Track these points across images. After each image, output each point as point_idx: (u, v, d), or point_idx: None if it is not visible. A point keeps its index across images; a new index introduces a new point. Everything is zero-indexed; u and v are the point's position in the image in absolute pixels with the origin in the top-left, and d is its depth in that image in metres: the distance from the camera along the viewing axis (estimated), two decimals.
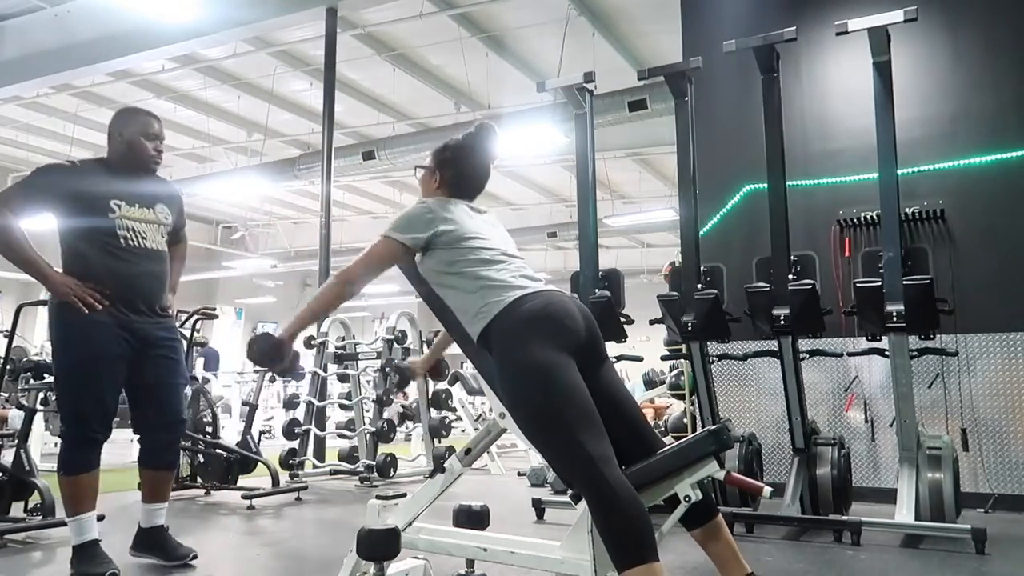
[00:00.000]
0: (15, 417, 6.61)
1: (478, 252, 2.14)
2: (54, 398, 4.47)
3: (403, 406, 7.62)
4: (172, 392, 3.19)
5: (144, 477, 3.27)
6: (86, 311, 2.87)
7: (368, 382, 6.85)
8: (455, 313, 2.15)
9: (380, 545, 2.07)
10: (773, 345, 3.91)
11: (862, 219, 4.82)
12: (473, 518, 2.38)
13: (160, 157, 3.14)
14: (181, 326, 5.78)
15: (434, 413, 6.54)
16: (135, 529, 3.32)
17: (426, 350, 3.81)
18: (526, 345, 1.97)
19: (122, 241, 2.98)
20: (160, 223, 3.13)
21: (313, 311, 2.16)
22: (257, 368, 7.10)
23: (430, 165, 2.36)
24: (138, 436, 3.26)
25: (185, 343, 5.44)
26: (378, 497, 2.26)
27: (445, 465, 2.21)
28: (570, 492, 1.97)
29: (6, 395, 7.23)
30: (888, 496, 4.04)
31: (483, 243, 2.17)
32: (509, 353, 2.00)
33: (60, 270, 2.97)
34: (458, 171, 2.33)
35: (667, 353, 5.04)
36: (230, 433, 7.74)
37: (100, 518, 3.89)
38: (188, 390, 5.35)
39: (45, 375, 4.37)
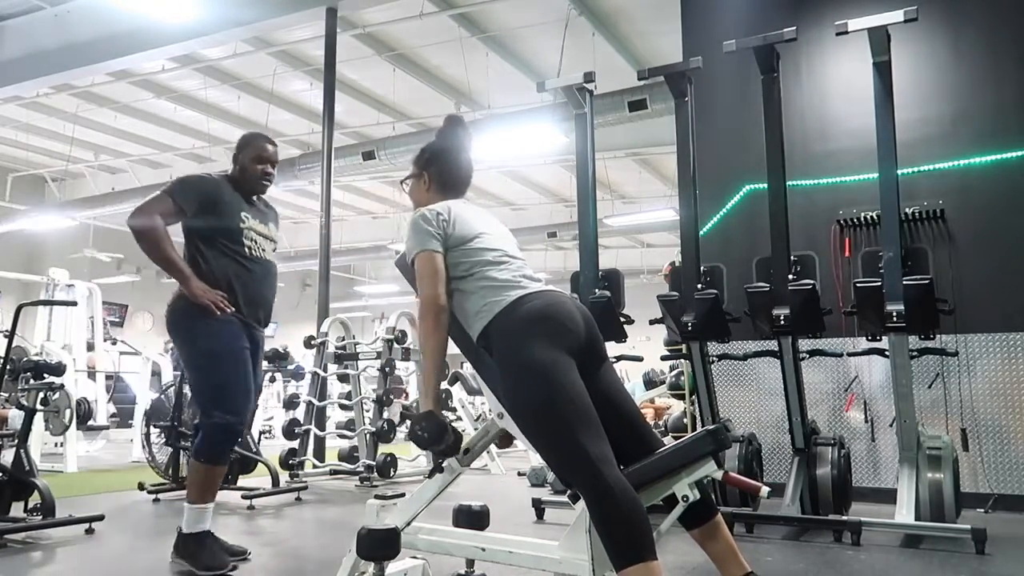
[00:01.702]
0: (15, 417, 6.62)
1: (481, 253, 2.14)
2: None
3: (403, 406, 7.63)
4: (256, 397, 3.37)
5: (193, 468, 3.25)
6: (217, 314, 3.02)
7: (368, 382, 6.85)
8: (456, 313, 2.15)
9: (380, 545, 2.07)
10: (773, 345, 3.91)
11: (862, 219, 4.82)
12: (473, 518, 2.38)
13: (270, 179, 3.35)
14: None
15: None
16: (135, 529, 3.32)
17: None
18: (526, 345, 1.97)
19: (247, 251, 3.17)
20: (271, 238, 3.35)
21: (430, 360, 2.08)
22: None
23: (415, 171, 2.39)
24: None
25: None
26: (377, 497, 2.26)
27: (444, 465, 2.21)
28: (569, 492, 1.97)
29: (6, 395, 7.22)
30: (888, 496, 4.04)
31: (487, 243, 2.17)
32: (509, 353, 2.00)
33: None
34: (442, 168, 2.36)
35: (667, 353, 5.04)
36: None
37: (100, 518, 3.92)
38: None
39: (45, 375, 4.37)
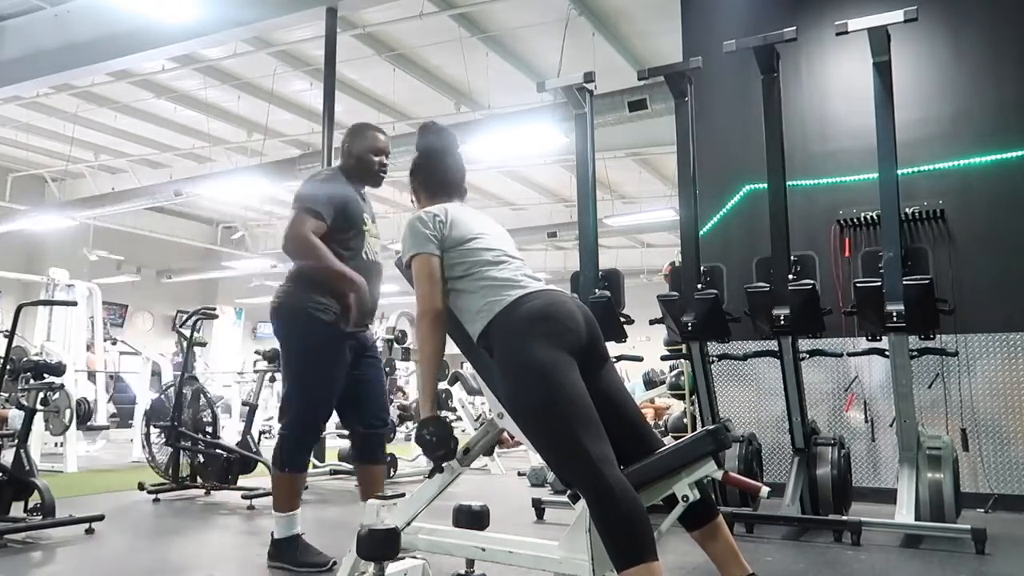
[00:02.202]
0: (15, 417, 6.61)
1: (480, 253, 2.15)
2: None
3: (403, 406, 7.62)
4: (383, 393, 3.36)
5: (362, 474, 3.27)
6: (326, 321, 2.98)
7: None
8: (456, 313, 2.15)
9: (379, 545, 2.07)
10: (773, 345, 3.91)
11: (862, 219, 4.82)
12: (473, 518, 2.38)
13: (385, 172, 3.24)
14: (181, 326, 5.80)
15: None
16: (135, 529, 3.33)
17: None
18: (527, 344, 1.97)
19: (365, 254, 3.09)
20: (378, 237, 3.25)
21: (430, 365, 2.11)
22: (257, 369, 7.11)
23: (409, 184, 2.44)
24: (351, 434, 3.35)
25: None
26: (377, 497, 2.26)
27: (444, 465, 2.21)
28: (569, 492, 1.97)
29: (6, 395, 7.22)
30: (888, 496, 4.04)
31: (485, 243, 2.17)
32: (510, 352, 2.00)
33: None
34: (425, 176, 2.40)
35: (667, 353, 5.04)
36: (230, 433, 7.74)
37: (100, 518, 3.92)
38: (188, 390, 5.38)
39: (45, 375, 4.37)
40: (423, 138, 2.45)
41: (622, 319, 4.17)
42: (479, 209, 2.39)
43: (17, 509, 3.87)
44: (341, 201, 3.05)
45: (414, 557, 2.37)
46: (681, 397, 5.77)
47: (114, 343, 10.60)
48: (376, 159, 3.19)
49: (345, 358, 3.05)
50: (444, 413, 6.75)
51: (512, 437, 2.28)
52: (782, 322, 3.69)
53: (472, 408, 9.68)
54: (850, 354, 4.24)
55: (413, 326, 6.72)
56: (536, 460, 5.62)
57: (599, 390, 2.01)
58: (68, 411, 5.11)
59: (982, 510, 4.25)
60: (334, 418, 3.37)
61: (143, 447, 5.93)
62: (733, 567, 2.00)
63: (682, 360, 5.10)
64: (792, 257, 3.80)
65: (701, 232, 4.31)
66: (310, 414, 3.07)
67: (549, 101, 8.19)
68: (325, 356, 3.01)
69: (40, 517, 3.73)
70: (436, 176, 2.39)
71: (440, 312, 2.10)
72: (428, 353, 2.09)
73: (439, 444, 2.07)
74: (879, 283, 3.55)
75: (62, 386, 4.59)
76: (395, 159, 11.74)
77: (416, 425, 2.15)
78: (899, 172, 3.68)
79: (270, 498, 5.01)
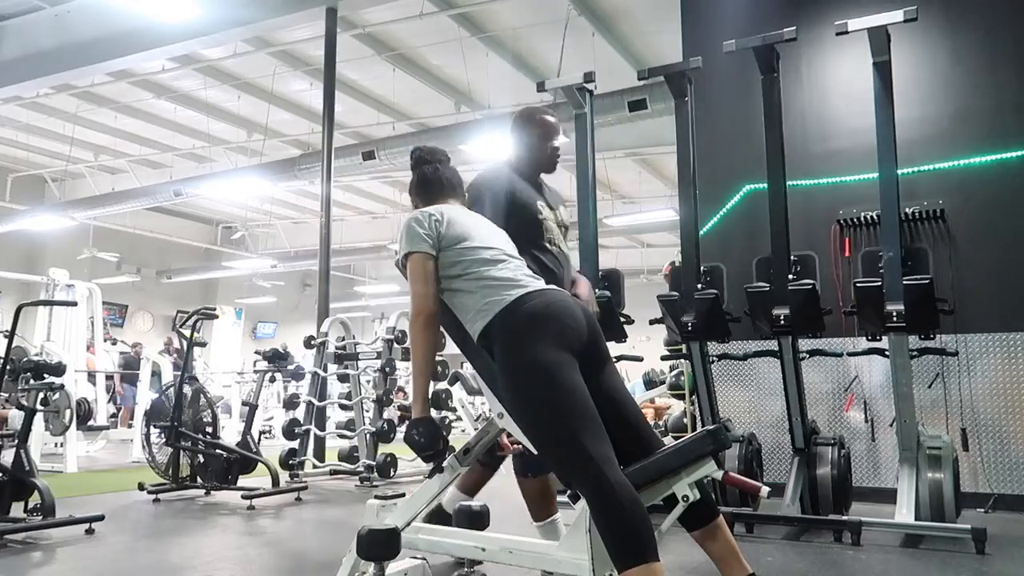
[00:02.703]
0: (15, 417, 6.61)
1: (478, 252, 2.14)
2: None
3: (403, 406, 7.63)
4: None
5: (528, 487, 2.90)
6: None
7: (368, 382, 6.85)
8: (456, 313, 2.15)
9: (380, 545, 2.07)
10: (773, 345, 3.91)
11: (862, 219, 4.82)
12: (473, 518, 2.38)
13: (558, 154, 3.03)
14: (181, 326, 5.80)
15: (434, 413, 6.53)
16: (135, 529, 3.32)
17: None
18: (528, 344, 1.96)
19: (547, 244, 2.84)
20: (564, 224, 3.01)
21: (424, 365, 2.11)
22: (256, 369, 7.10)
23: (411, 203, 2.51)
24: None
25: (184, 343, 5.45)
26: (377, 497, 2.26)
27: (444, 465, 2.21)
28: (569, 492, 1.97)
29: (6, 395, 7.22)
30: (888, 496, 4.04)
31: (483, 243, 2.17)
32: (510, 352, 2.00)
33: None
34: (421, 184, 2.44)
35: (667, 353, 5.04)
36: (230, 433, 7.75)
37: (100, 518, 3.92)
38: (188, 390, 5.38)
39: (45, 375, 4.37)
40: (413, 160, 2.49)
41: (622, 319, 4.17)
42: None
43: (17, 509, 3.87)
44: (510, 193, 2.79)
45: (414, 557, 2.37)
46: (681, 397, 5.76)
47: (114, 343, 10.60)
48: (549, 145, 2.97)
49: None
50: (444, 413, 6.76)
51: (511, 445, 2.28)
52: (782, 322, 3.69)
53: (472, 408, 9.68)
54: (850, 354, 4.24)
55: None
56: None
57: (600, 390, 2.01)
58: (68, 411, 5.11)
59: (982, 510, 4.25)
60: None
61: (143, 447, 5.94)
62: (733, 567, 2.00)
63: (682, 360, 5.10)
64: (792, 257, 3.80)
65: (701, 232, 4.31)
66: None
67: (549, 101, 8.20)
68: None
69: (40, 517, 3.74)
70: (430, 180, 2.42)
71: (433, 313, 2.10)
72: (421, 354, 2.10)
73: (428, 444, 2.08)
74: (879, 283, 3.55)
75: (62, 386, 4.59)
76: (395, 159, 11.76)
77: (407, 425, 2.16)
78: (899, 172, 3.68)
79: (270, 498, 5.06)
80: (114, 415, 9.68)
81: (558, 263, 2.83)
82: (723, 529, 2.02)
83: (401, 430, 7.13)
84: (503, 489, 3.34)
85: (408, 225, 2.19)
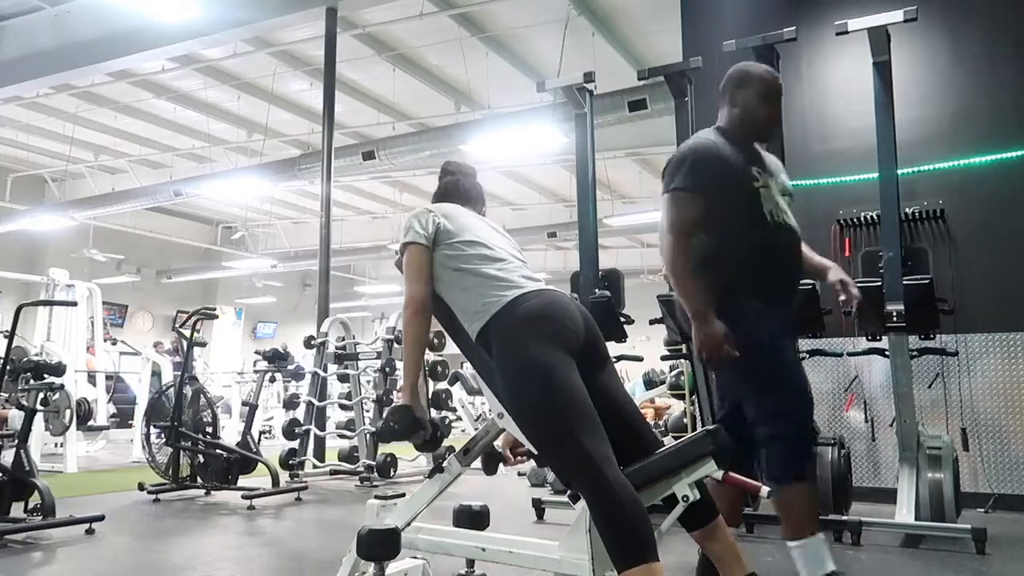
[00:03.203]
0: (15, 417, 6.61)
1: (477, 247, 2.15)
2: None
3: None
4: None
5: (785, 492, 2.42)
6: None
7: (368, 382, 6.85)
8: (454, 311, 2.15)
9: (380, 545, 2.06)
10: None
11: (862, 219, 4.82)
12: (473, 518, 2.38)
13: (778, 123, 2.72)
14: (181, 326, 5.80)
15: (434, 413, 6.53)
16: (135, 529, 3.32)
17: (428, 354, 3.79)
18: (526, 344, 1.97)
19: (769, 215, 2.50)
20: (789, 192, 2.67)
21: (411, 352, 2.13)
22: (256, 369, 7.10)
23: None
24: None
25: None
26: (377, 497, 2.26)
27: (444, 465, 2.21)
28: (569, 492, 1.97)
29: (6, 395, 7.22)
30: (888, 496, 4.04)
31: (483, 240, 2.18)
32: (509, 352, 2.00)
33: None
34: (442, 190, 2.47)
35: (667, 353, 5.03)
36: (230, 433, 7.75)
37: (100, 518, 3.92)
38: (188, 390, 5.38)
39: (45, 375, 4.37)
40: (440, 171, 2.54)
41: (622, 319, 4.17)
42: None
43: (17, 509, 3.87)
44: (721, 167, 2.48)
45: (414, 557, 2.37)
46: (681, 397, 5.76)
47: (114, 343, 10.59)
48: (768, 109, 2.62)
49: (788, 334, 2.54)
50: (444, 413, 6.75)
51: (514, 458, 2.28)
52: None
53: (472, 408, 9.68)
54: (850, 354, 4.24)
55: None
56: None
57: (599, 390, 2.01)
58: (68, 411, 5.11)
59: (982, 510, 4.25)
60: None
61: (143, 447, 5.94)
62: (734, 567, 2.00)
63: (682, 360, 5.10)
64: None
65: None
66: (786, 401, 2.39)
67: (549, 101, 8.20)
68: (769, 341, 2.42)
69: (40, 517, 3.74)
70: (449, 191, 2.45)
71: (424, 301, 2.13)
72: (410, 338, 2.12)
73: (402, 432, 2.08)
74: (879, 283, 3.55)
75: (62, 386, 4.59)
76: (395, 159, 11.75)
77: (386, 413, 2.16)
78: (899, 172, 3.68)
79: (270, 498, 5.06)
80: (115, 415, 9.67)
81: (786, 237, 2.52)
82: (723, 529, 2.02)
83: None
84: (503, 489, 3.34)
85: (408, 220, 2.23)
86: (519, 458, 2.29)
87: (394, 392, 6.50)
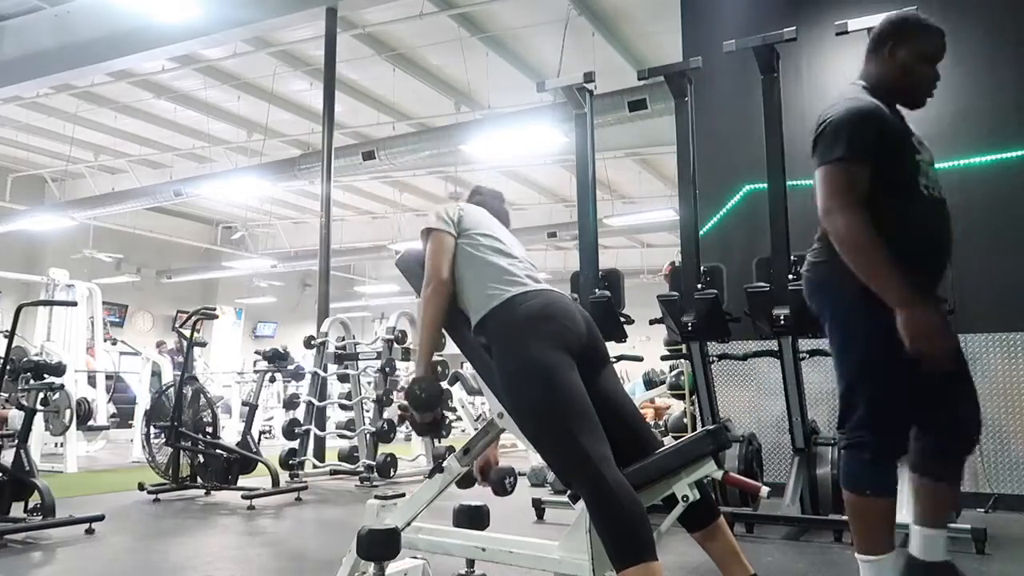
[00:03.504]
0: (15, 417, 6.61)
1: (489, 239, 2.22)
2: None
3: (403, 406, 7.62)
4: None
5: (926, 491, 2.48)
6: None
7: (368, 382, 6.85)
8: (461, 298, 2.18)
9: (380, 545, 2.06)
10: (773, 345, 3.91)
11: None
12: (473, 518, 2.38)
13: (934, 88, 2.42)
14: (181, 326, 5.80)
15: None
16: (135, 529, 3.32)
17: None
18: (526, 344, 1.97)
19: (924, 191, 2.27)
20: (933, 164, 2.39)
21: (428, 328, 2.15)
22: (256, 369, 7.10)
23: None
24: (924, 436, 2.38)
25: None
26: (377, 497, 2.26)
27: (444, 465, 2.21)
28: (569, 492, 1.97)
29: (6, 395, 7.22)
30: None
31: (496, 235, 2.25)
32: (509, 353, 2.00)
33: None
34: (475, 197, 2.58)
35: (667, 353, 5.04)
36: (230, 433, 7.75)
37: (100, 518, 3.92)
38: (188, 390, 5.38)
39: (45, 375, 4.37)
40: (469, 193, 2.64)
41: (622, 319, 4.17)
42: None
43: (17, 509, 3.87)
44: (884, 135, 2.20)
45: (414, 557, 2.37)
46: (681, 397, 5.76)
47: (114, 343, 10.59)
48: (927, 68, 2.37)
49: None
50: (444, 413, 6.75)
51: (483, 482, 2.30)
52: (782, 322, 3.70)
53: (472, 408, 9.68)
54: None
55: (413, 326, 6.72)
56: (536, 460, 5.62)
57: (598, 391, 2.01)
58: (68, 411, 5.11)
59: (982, 510, 4.25)
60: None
61: (143, 447, 5.94)
62: (734, 567, 2.00)
63: (682, 360, 5.09)
64: (792, 257, 3.80)
65: (701, 232, 4.31)
66: (881, 413, 2.18)
67: (549, 101, 8.20)
68: (892, 341, 2.09)
69: (40, 517, 3.74)
70: (473, 199, 2.53)
71: (444, 281, 2.16)
72: (428, 314, 2.15)
73: (429, 402, 2.12)
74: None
75: (62, 386, 4.59)
76: (395, 159, 11.75)
77: (408, 383, 2.17)
78: None
79: (270, 498, 5.06)
80: (115, 415, 9.67)
81: (944, 213, 2.31)
82: (724, 529, 2.02)
83: (402, 430, 7.16)
84: None
85: (434, 211, 2.31)
86: (485, 483, 2.31)
87: (394, 392, 6.51)
